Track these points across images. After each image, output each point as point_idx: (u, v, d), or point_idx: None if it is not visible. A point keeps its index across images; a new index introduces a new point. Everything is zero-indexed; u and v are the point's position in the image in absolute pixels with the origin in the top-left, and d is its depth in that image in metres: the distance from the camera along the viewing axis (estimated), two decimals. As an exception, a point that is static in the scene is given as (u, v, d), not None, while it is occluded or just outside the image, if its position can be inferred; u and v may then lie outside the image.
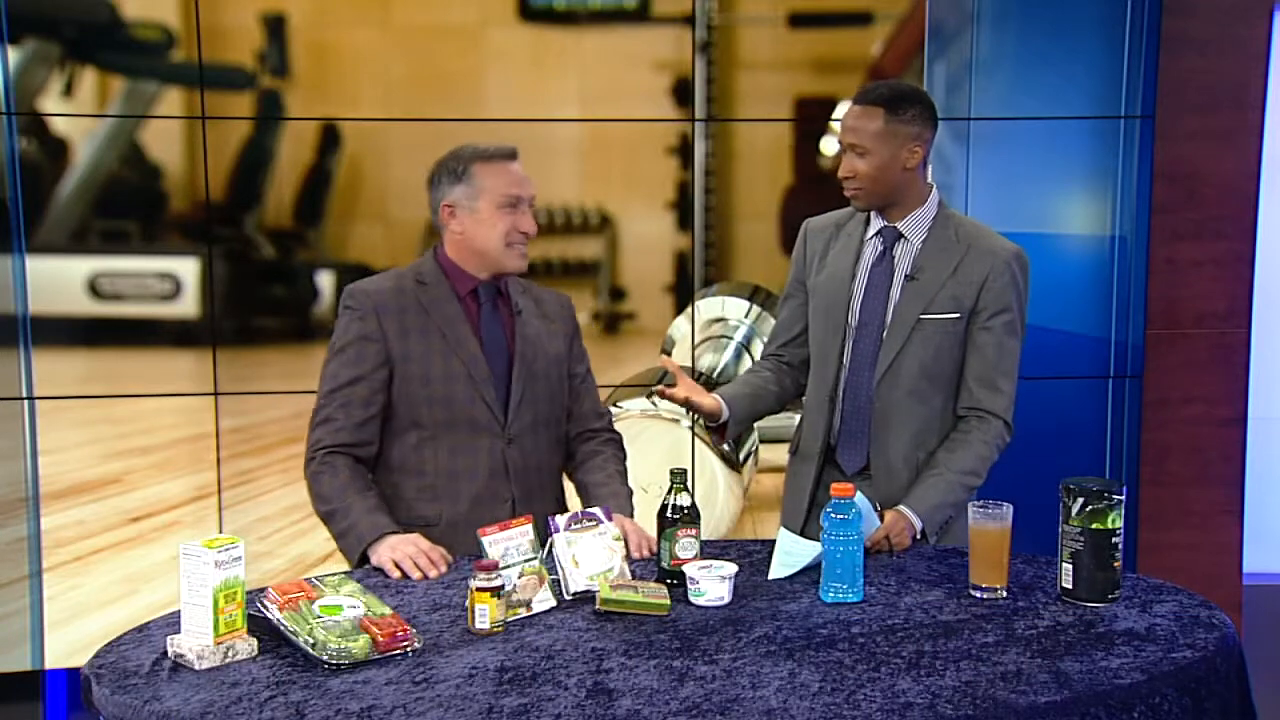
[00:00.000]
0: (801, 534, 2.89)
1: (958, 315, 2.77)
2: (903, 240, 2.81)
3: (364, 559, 2.59)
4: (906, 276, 2.79)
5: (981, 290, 2.76)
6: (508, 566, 2.29)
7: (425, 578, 2.49)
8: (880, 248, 2.83)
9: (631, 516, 2.73)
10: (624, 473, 2.89)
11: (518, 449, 2.77)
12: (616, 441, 2.96)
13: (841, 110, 2.82)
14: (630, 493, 2.83)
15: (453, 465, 2.75)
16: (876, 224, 2.84)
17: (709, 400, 2.79)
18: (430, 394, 2.73)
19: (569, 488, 2.94)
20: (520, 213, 2.75)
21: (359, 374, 2.72)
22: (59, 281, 3.96)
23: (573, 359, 2.92)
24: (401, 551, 2.53)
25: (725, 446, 4.22)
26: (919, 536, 2.71)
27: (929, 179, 2.84)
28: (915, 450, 2.80)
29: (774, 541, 2.78)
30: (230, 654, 2.08)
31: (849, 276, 2.84)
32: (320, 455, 2.70)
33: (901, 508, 2.70)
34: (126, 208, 4.02)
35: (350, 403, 2.71)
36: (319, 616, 2.12)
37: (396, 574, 2.50)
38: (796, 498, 2.93)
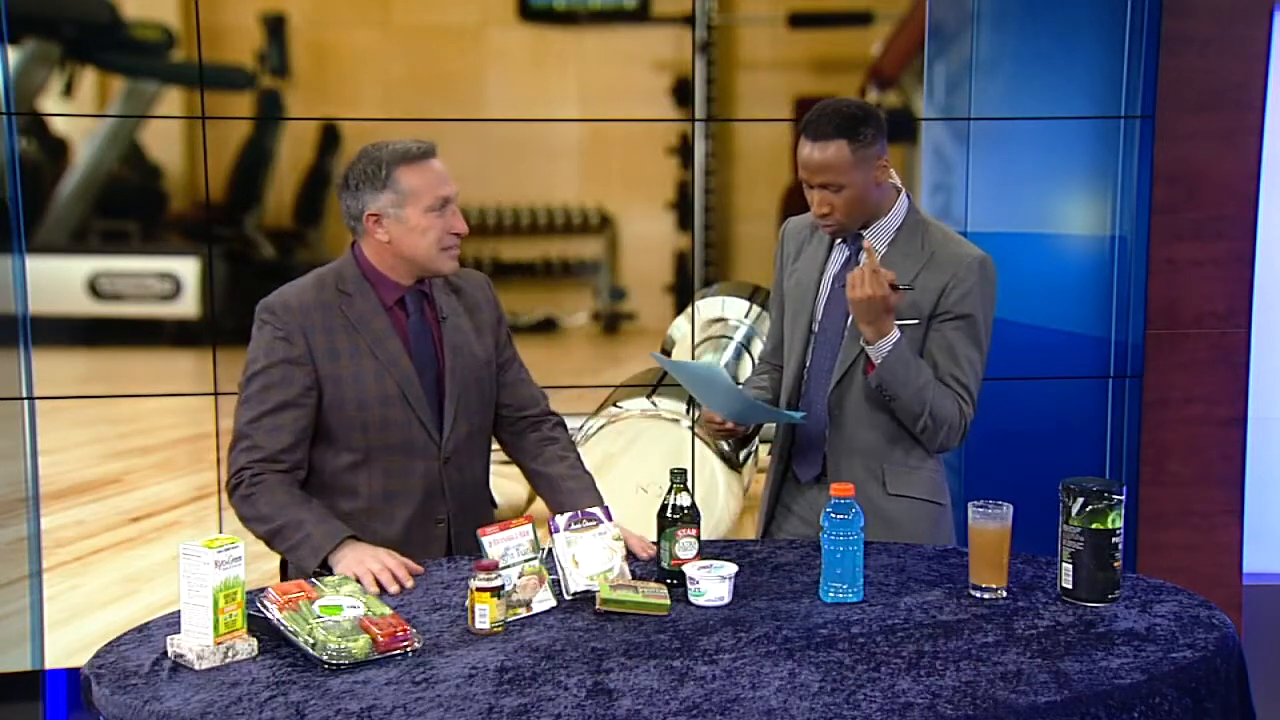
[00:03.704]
0: (764, 537, 2.89)
1: (916, 320, 2.71)
2: None
3: (324, 569, 2.47)
4: None
5: (941, 296, 2.71)
6: (508, 566, 2.29)
7: (402, 589, 2.40)
8: (846, 254, 2.80)
9: (601, 502, 2.64)
10: (581, 459, 2.81)
11: (454, 467, 2.69)
12: (562, 424, 2.86)
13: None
14: (593, 480, 2.76)
15: (387, 487, 2.65)
16: None
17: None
18: (365, 418, 2.62)
19: (498, 491, 2.90)
20: (450, 213, 2.59)
21: (286, 398, 2.57)
22: (59, 281, 3.95)
23: (499, 349, 2.80)
24: (365, 565, 2.42)
25: (725, 446, 4.22)
26: (873, 354, 2.66)
27: (896, 182, 2.79)
28: (879, 461, 2.76)
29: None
30: (230, 654, 2.08)
31: (815, 282, 2.82)
32: (247, 479, 2.55)
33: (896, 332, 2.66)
34: (126, 208, 4.02)
35: (278, 429, 2.56)
36: (319, 616, 2.12)
37: (374, 588, 2.40)
38: (765, 500, 2.95)
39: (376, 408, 2.62)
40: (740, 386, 2.66)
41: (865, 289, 2.60)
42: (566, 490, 2.71)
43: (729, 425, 2.77)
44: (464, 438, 2.71)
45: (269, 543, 2.57)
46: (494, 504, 2.87)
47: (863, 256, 2.73)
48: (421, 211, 2.58)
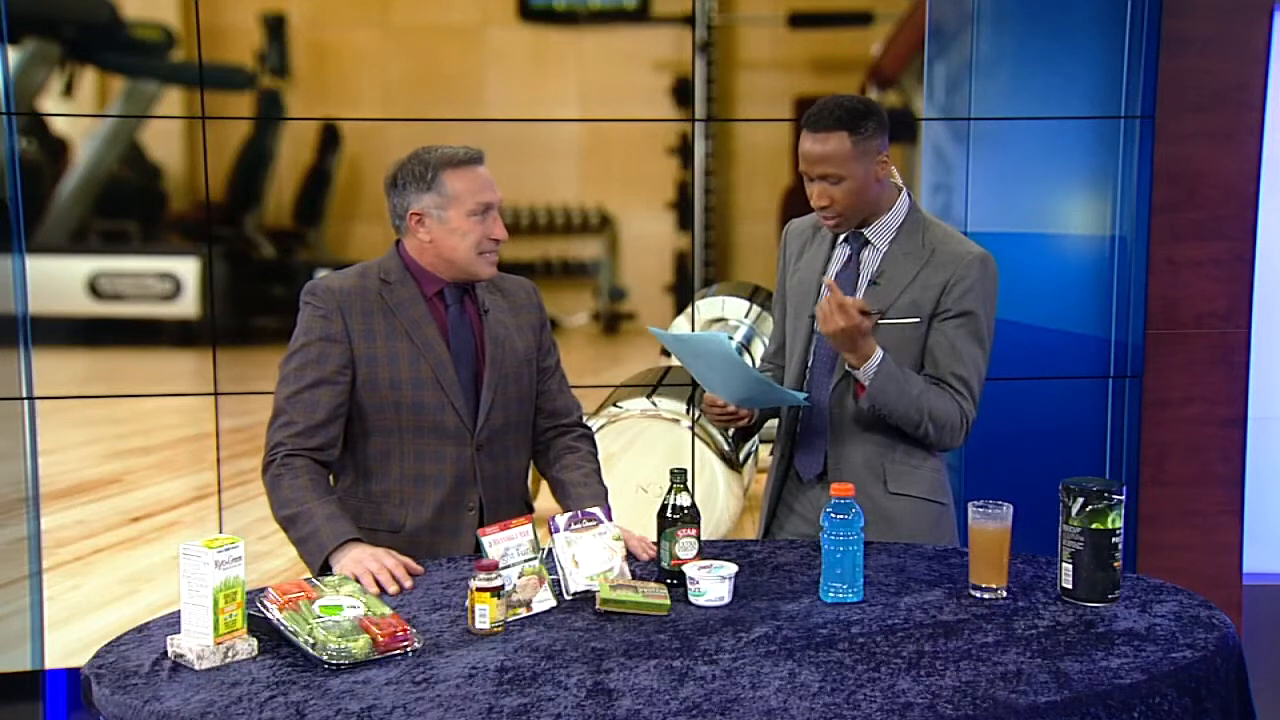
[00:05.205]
0: (765, 536, 2.89)
1: (917, 319, 2.72)
2: (869, 246, 2.78)
3: (325, 567, 2.49)
4: (870, 282, 2.75)
5: (943, 293, 2.72)
6: (508, 566, 2.29)
7: (401, 589, 2.41)
8: (848, 253, 2.81)
9: (609, 513, 2.65)
10: (599, 470, 2.84)
11: (486, 455, 2.71)
12: (589, 437, 2.90)
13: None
14: (607, 491, 2.77)
15: (419, 471, 2.69)
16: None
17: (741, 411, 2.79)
18: (398, 399, 2.66)
19: (532, 489, 2.89)
20: (491, 219, 2.66)
21: (322, 376, 2.63)
22: (59, 281, 3.95)
23: (542, 352, 2.84)
24: (364, 566, 2.44)
25: (725, 446, 4.22)
26: (860, 377, 2.66)
27: (897, 181, 2.80)
28: (880, 459, 2.77)
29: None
30: (230, 654, 2.08)
31: (817, 281, 2.82)
32: (280, 458, 2.60)
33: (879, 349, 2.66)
34: (126, 208, 4.02)
35: (314, 405, 2.62)
36: (319, 616, 2.12)
37: (374, 588, 2.41)
38: (766, 499, 2.94)
39: (409, 389, 2.66)
40: (743, 358, 2.66)
41: (836, 322, 2.61)
42: (575, 497, 2.73)
43: (730, 409, 2.77)
44: (499, 428, 2.73)
45: (283, 529, 2.61)
46: (530, 506, 2.85)
47: (837, 265, 2.73)
48: (463, 215, 2.64)
